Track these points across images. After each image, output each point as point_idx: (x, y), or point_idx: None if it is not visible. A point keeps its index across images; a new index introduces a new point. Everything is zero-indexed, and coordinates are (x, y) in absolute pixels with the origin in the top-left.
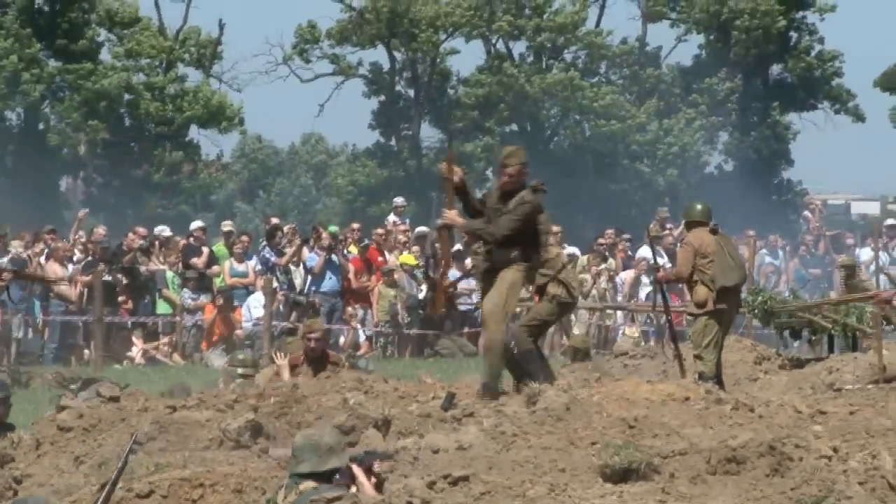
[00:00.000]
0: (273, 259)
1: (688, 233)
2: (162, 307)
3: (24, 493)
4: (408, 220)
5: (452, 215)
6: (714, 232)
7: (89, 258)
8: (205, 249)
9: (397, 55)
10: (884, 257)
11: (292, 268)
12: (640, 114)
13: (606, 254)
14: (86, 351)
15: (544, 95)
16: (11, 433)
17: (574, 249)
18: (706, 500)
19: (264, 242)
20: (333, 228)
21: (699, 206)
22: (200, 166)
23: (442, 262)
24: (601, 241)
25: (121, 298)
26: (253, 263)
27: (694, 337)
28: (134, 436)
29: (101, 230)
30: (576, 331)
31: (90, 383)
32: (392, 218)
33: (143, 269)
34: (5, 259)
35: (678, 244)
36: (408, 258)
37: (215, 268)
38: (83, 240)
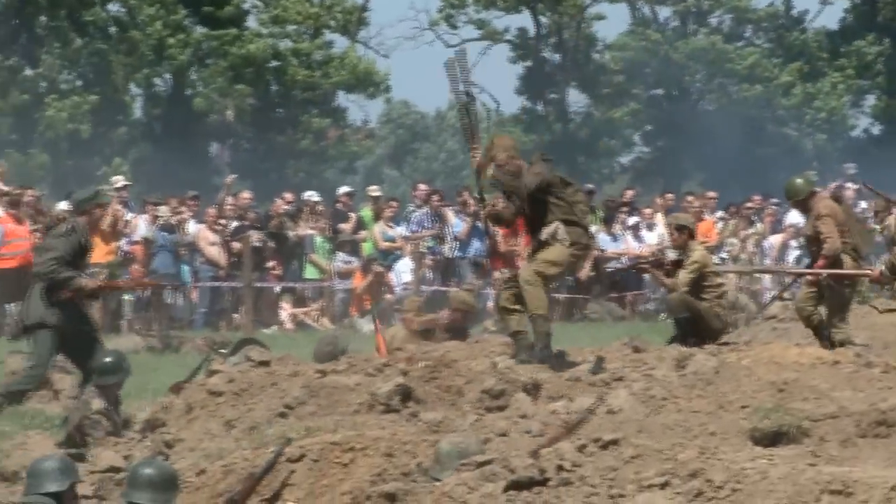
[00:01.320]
0: (429, 224)
1: (809, 207)
2: (310, 272)
3: (175, 456)
4: None
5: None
6: (837, 200)
7: (238, 224)
8: (352, 215)
9: (543, 20)
10: None
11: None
12: (785, 77)
13: (754, 218)
14: (235, 316)
15: (689, 60)
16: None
17: (720, 214)
18: (856, 464)
19: (415, 208)
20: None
21: (800, 181)
22: (347, 132)
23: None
24: (749, 205)
25: (270, 263)
26: (401, 229)
27: (835, 307)
28: (281, 448)
29: (246, 194)
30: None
31: (240, 347)
32: None
33: (291, 234)
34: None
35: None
36: None
37: (363, 233)
38: (231, 205)
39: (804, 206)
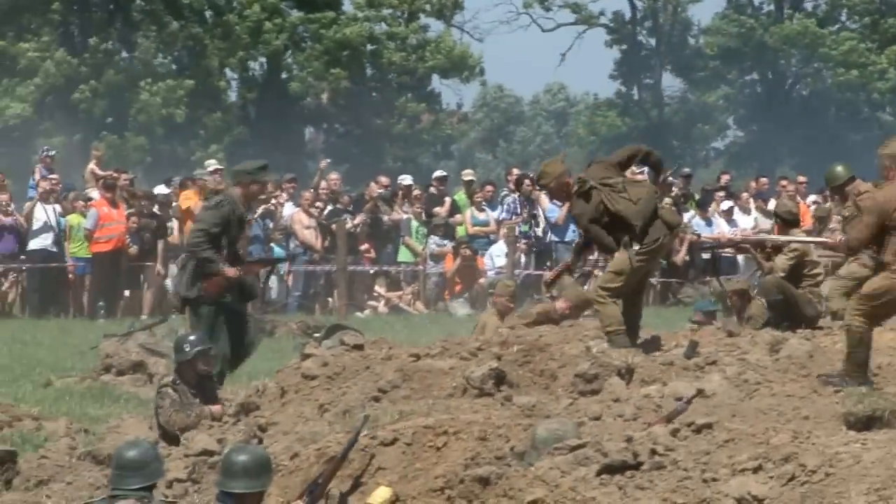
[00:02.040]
0: (519, 209)
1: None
2: (404, 255)
3: (269, 440)
4: (645, 170)
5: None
6: None
7: (333, 207)
8: (446, 199)
9: (639, 4)
10: None
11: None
12: (881, 61)
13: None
14: (329, 299)
15: (784, 45)
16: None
17: (814, 198)
18: None
19: (507, 193)
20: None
21: (840, 168)
22: (442, 116)
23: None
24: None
25: (364, 247)
26: (496, 213)
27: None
28: (364, 422)
29: (334, 176)
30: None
31: (335, 331)
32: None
33: (385, 217)
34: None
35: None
36: None
37: (457, 217)
38: (325, 189)
39: (841, 192)
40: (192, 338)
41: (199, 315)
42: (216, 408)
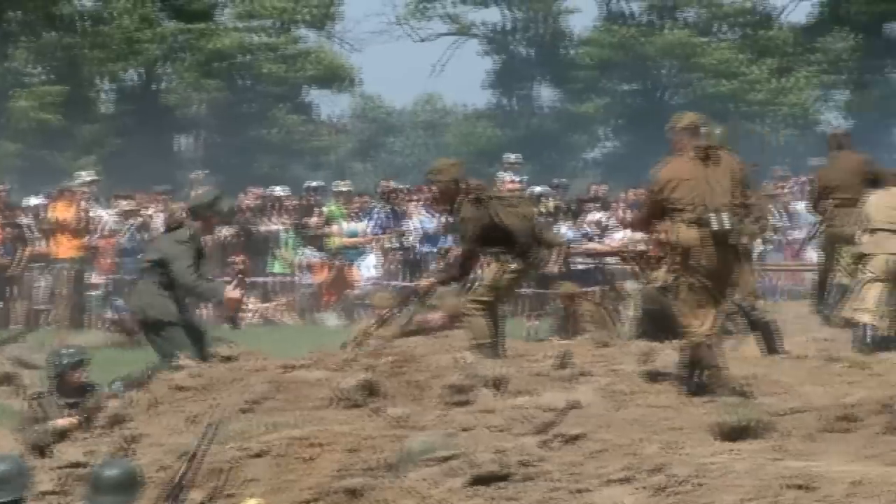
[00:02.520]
0: (389, 223)
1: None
2: (276, 267)
3: (139, 452)
4: (523, 179)
5: None
6: None
7: None
8: (320, 210)
9: (514, 14)
10: None
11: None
12: (755, 73)
13: None
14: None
15: (660, 55)
16: (93, 393)
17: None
18: (820, 459)
19: (377, 205)
20: None
21: None
22: (316, 127)
23: None
24: None
25: (236, 258)
26: (367, 224)
27: None
28: (214, 425)
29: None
30: None
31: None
32: (505, 174)
33: (258, 229)
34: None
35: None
36: None
37: (330, 228)
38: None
39: None
40: (65, 350)
41: (166, 336)
42: (62, 421)
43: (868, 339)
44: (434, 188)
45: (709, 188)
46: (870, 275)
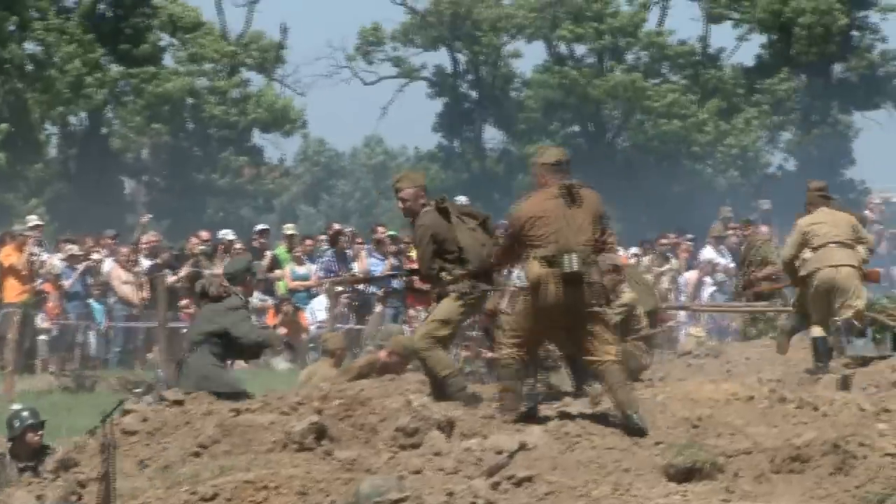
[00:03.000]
0: (335, 266)
1: None
2: None
3: (89, 497)
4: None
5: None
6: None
7: (152, 262)
8: (268, 253)
9: (460, 57)
10: None
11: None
12: (701, 114)
13: (669, 254)
14: (149, 355)
15: (607, 97)
16: (51, 455)
17: (636, 250)
18: (770, 499)
19: (327, 248)
20: (393, 232)
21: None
22: (263, 170)
23: None
24: (663, 241)
25: (183, 302)
26: (315, 267)
27: None
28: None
29: (152, 236)
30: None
31: (153, 388)
32: None
33: (206, 272)
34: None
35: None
36: None
37: (277, 272)
38: (146, 244)
39: None
40: (23, 413)
41: None
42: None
43: (822, 349)
44: (400, 196)
45: (567, 227)
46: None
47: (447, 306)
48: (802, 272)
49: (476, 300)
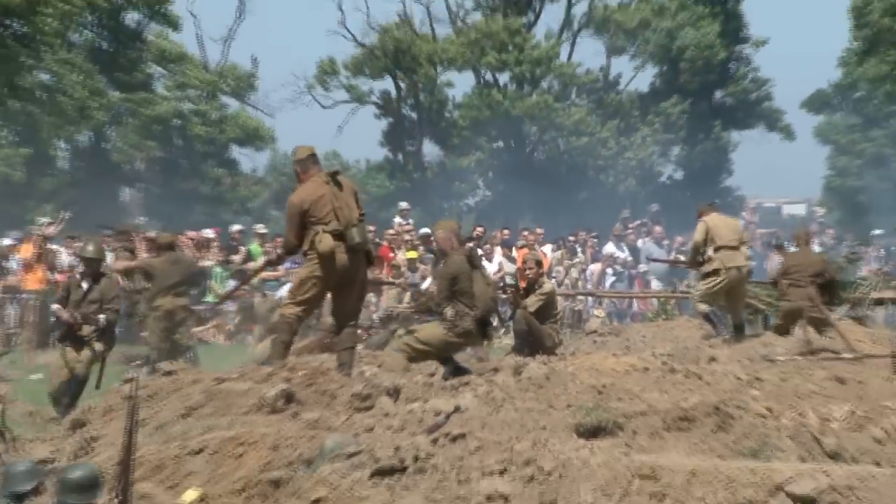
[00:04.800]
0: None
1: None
2: (209, 297)
3: (97, 451)
4: (412, 222)
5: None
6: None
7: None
8: (242, 248)
9: (402, 84)
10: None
11: None
12: (604, 132)
13: (578, 249)
14: (143, 334)
15: (525, 117)
16: None
17: (550, 247)
18: (662, 453)
19: None
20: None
21: None
22: (239, 179)
23: None
24: (572, 238)
25: None
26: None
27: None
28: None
29: (151, 234)
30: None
31: (150, 360)
32: (398, 219)
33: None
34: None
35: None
36: (412, 254)
37: (252, 263)
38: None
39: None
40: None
41: None
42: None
43: (715, 319)
44: (434, 238)
45: (341, 206)
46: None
47: (433, 330)
48: (708, 267)
49: (461, 342)
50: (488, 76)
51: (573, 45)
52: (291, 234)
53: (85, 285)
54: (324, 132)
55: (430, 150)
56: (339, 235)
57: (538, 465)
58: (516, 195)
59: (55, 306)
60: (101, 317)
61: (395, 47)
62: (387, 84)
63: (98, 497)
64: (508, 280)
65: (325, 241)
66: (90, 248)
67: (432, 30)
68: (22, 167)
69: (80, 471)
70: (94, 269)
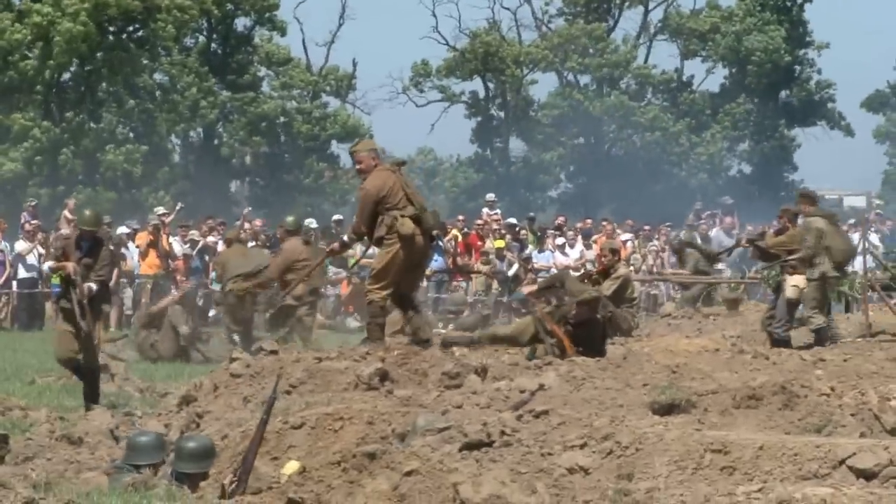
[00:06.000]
0: None
1: None
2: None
3: (204, 424)
4: (499, 212)
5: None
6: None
7: (253, 244)
8: (342, 237)
9: (490, 85)
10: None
11: None
12: (677, 129)
13: (655, 237)
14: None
15: (604, 115)
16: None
17: (629, 235)
18: (732, 429)
19: None
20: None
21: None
22: (339, 173)
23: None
24: (646, 227)
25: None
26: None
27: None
28: (276, 385)
29: (258, 222)
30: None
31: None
32: (486, 210)
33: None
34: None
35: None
36: (499, 243)
37: (350, 251)
38: (249, 229)
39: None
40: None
41: None
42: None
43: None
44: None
45: (413, 192)
46: None
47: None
48: (816, 272)
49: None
50: (570, 77)
51: (649, 48)
52: (363, 221)
53: (79, 253)
54: (417, 130)
55: (516, 145)
56: (415, 219)
57: (616, 440)
58: (595, 188)
59: (50, 262)
60: (89, 284)
61: (484, 51)
62: (476, 85)
63: (210, 467)
64: (588, 266)
65: (407, 225)
66: (87, 214)
67: (518, 34)
68: (139, 164)
69: (195, 441)
70: (90, 236)
